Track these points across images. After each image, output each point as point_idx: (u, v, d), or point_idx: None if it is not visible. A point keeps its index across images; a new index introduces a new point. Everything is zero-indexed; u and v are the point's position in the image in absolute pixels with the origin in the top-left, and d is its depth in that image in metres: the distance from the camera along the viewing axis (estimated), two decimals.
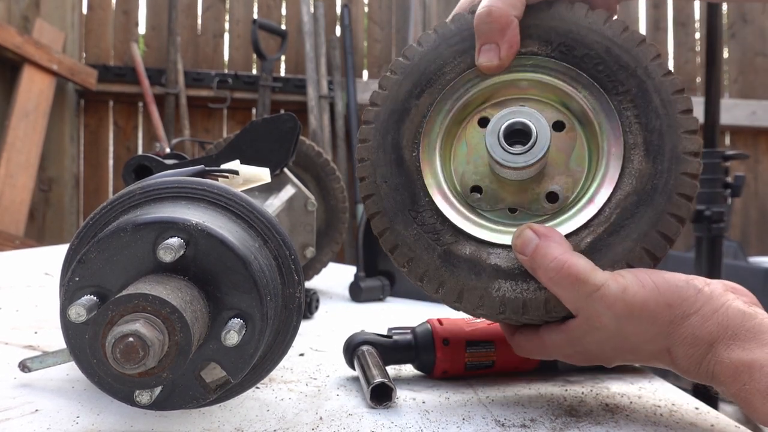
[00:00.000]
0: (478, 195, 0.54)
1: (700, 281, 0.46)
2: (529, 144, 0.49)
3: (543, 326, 0.52)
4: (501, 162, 0.50)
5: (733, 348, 0.43)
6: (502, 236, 0.51)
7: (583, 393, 0.59)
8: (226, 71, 3.28)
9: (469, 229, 0.51)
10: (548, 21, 0.53)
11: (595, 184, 0.51)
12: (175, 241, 0.38)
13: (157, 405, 0.40)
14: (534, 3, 0.54)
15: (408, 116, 0.54)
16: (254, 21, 2.86)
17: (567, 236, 0.50)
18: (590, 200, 0.50)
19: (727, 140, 3.64)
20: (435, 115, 0.54)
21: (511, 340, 0.56)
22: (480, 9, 0.53)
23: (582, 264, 0.47)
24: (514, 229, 0.51)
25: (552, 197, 0.53)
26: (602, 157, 0.51)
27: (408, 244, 0.51)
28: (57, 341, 0.71)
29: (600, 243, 0.49)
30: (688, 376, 0.47)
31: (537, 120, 0.50)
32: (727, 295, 0.45)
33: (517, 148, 0.49)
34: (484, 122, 0.55)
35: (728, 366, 0.43)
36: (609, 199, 0.49)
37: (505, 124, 0.50)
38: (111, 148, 3.26)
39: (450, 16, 0.57)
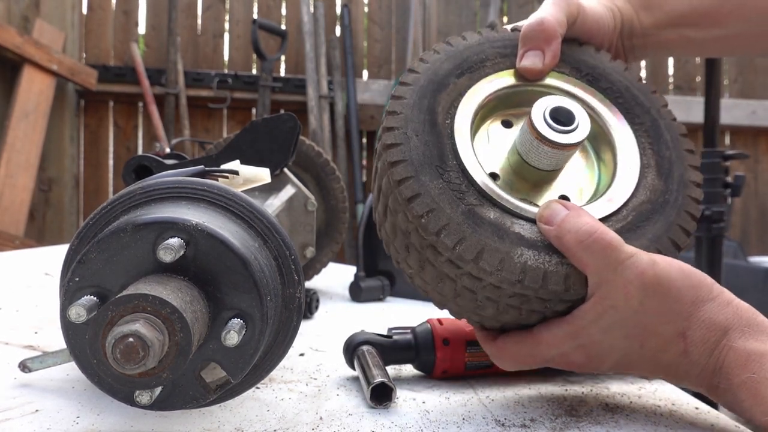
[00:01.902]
0: (495, 182, 0.55)
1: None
2: (573, 125, 0.53)
3: (538, 325, 0.50)
4: (547, 136, 0.52)
5: (747, 337, 0.45)
6: (526, 210, 0.52)
7: (583, 393, 0.59)
8: (226, 71, 3.28)
9: (494, 195, 0.52)
10: (579, 54, 0.61)
11: (612, 189, 0.54)
12: (175, 241, 0.38)
13: (157, 405, 0.40)
14: (567, 39, 0.60)
15: (446, 89, 0.57)
16: (254, 21, 2.86)
17: None
18: (609, 199, 0.54)
19: (727, 140, 3.64)
20: (471, 96, 0.57)
21: (492, 345, 0.53)
22: (532, 19, 0.59)
23: (612, 234, 0.48)
24: (536, 209, 0.51)
25: (563, 199, 0.55)
26: (618, 170, 0.56)
27: (431, 195, 0.50)
28: (57, 341, 0.71)
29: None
30: (693, 371, 0.47)
31: (579, 108, 0.54)
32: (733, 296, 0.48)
33: (562, 126, 0.53)
34: (507, 124, 0.60)
35: (741, 353, 0.44)
36: (626, 203, 0.53)
37: (552, 106, 0.54)
38: (111, 148, 3.26)
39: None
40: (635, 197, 0.54)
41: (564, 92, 0.59)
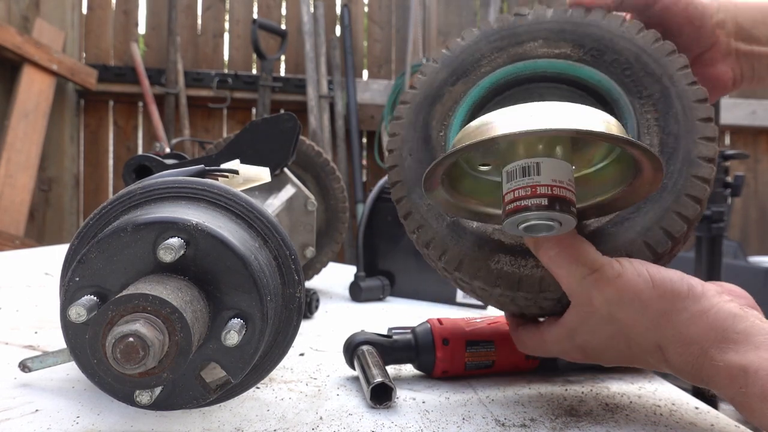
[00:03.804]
0: (486, 167, 0.54)
1: (693, 280, 0.46)
2: None
3: (543, 322, 0.53)
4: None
5: (726, 351, 0.42)
6: None
7: (583, 393, 0.59)
8: (226, 71, 3.28)
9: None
10: (584, 27, 0.55)
11: None
12: (175, 241, 0.38)
13: (157, 405, 0.40)
14: (574, 2, 0.56)
15: (441, 100, 0.57)
16: (254, 21, 2.86)
17: None
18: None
19: (727, 140, 3.64)
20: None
21: (515, 335, 0.56)
22: None
23: (582, 247, 0.47)
24: None
25: None
26: (614, 151, 0.51)
27: (420, 213, 0.54)
28: (57, 341, 0.71)
29: (603, 232, 0.50)
30: (683, 377, 0.46)
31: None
32: (720, 297, 0.45)
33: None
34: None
35: (723, 369, 0.42)
36: None
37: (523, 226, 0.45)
38: (111, 148, 3.26)
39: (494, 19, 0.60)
40: None
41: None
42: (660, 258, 0.50)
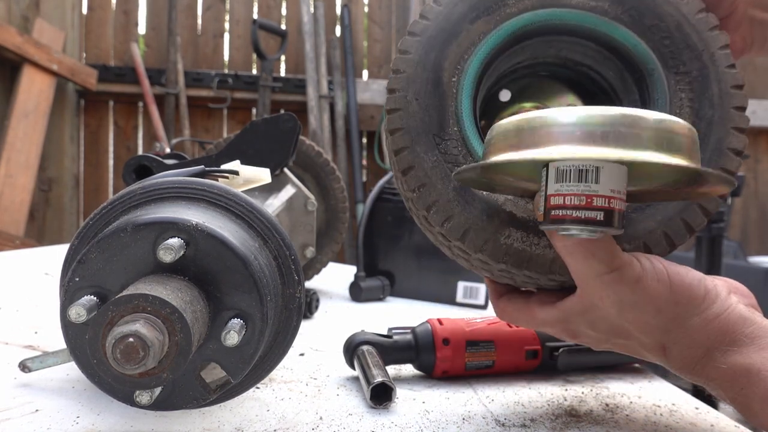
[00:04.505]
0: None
1: (709, 282, 0.45)
2: None
3: (535, 298, 0.49)
4: None
5: (730, 353, 0.42)
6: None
7: (583, 393, 0.59)
8: (226, 71, 3.28)
9: None
10: None
11: None
12: (175, 241, 0.38)
13: (157, 405, 0.40)
14: None
15: (456, 39, 0.50)
16: (254, 21, 2.86)
17: None
18: None
19: None
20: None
21: (497, 302, 0.52)
22: None
23: (602, 241, 0.43)
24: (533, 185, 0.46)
25: None
26: None
27: (424, 169, 0.48)
28: (57, 341, 0.71)
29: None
30: (679, 374, 0.46)
31: None
32: (731, 299, 0.44)
33: None
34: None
35: (725, 371, 0.42)
36: None
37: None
38: (111, 148, 3.26)
39: None
40: None
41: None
42: (674, 249, 0.47)
